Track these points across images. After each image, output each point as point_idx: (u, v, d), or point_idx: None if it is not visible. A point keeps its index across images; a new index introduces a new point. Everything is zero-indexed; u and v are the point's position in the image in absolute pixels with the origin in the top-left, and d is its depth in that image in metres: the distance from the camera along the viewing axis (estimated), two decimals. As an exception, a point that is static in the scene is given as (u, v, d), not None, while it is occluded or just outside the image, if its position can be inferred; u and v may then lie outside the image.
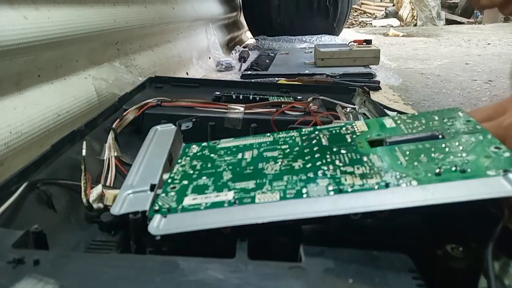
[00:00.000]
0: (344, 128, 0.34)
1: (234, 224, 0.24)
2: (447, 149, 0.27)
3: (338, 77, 1.05)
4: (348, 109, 0.54)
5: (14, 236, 0.24)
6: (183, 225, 0.25)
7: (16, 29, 0.47)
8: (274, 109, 0.50)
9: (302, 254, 0.23)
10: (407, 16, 4.02)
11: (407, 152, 0.28)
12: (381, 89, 1.06)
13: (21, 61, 0.49)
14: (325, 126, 0.36)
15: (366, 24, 4.05)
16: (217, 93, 0.56)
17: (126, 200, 0.29)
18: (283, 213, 0.25)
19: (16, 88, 0.49)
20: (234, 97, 0.55)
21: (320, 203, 0.25)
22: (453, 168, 0.25)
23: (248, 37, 2.14)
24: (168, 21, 1.04)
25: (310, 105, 0.52)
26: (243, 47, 1.62)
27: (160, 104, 0.51)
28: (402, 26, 3.76)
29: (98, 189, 0.32)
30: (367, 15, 4.54)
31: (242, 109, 0.50)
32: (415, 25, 3.81)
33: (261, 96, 0.56)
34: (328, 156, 0.30)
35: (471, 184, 0.23)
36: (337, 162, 0.29)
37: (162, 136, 0.40)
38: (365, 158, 0.29)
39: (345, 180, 0.26)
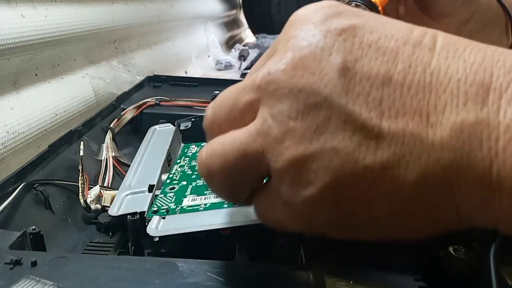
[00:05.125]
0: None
1: (234, 225, 0.24)
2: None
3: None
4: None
5: (11, 237, 0.24)
6: (182, 226, 0.25)
7: (13, 28, 0.46)
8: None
9: (303, 256, 0.23)
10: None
11: None
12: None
13: (18, 60, 0.48)
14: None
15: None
16: (217, 92, 0.56)
17: (124, 201, 0.29)
18: (284, 214, 0.24)
19: (13, 88, 0.49)
20: (234, 96, 0.55)
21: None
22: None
23: (248, 35, 2.13)
24: (166, 19, 1.04)
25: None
26: (243, 45, 1.61)
27: (159, 103, 0.50)
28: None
29: (96, 189, 0.32)
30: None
31: (241, 108, 0.49)
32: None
33: (260, 95, 0.56)
34: None
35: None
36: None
37: (160, 136, 0.39)
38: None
39: None
